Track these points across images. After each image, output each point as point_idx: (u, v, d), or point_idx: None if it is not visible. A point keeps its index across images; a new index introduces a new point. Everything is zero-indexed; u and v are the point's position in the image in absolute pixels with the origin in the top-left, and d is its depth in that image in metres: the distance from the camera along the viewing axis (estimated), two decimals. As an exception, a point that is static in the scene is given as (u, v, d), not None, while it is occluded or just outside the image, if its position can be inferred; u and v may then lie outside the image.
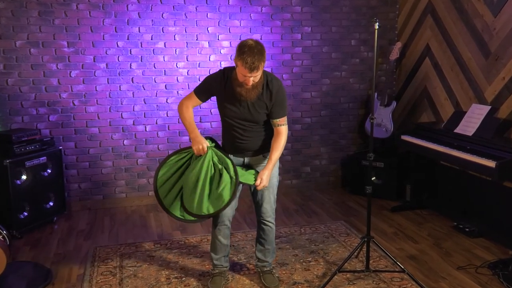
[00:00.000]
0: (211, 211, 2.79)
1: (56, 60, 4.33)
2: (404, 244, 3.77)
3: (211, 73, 4.61)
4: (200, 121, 4.72)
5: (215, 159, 2.80)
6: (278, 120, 2.80)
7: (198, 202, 2.77)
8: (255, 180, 2.82)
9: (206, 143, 2.81)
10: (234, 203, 2.96)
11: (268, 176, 2.82)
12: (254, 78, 2.60)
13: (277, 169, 2.99)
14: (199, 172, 2.75)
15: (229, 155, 2.89)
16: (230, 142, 2.91)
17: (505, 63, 3.84)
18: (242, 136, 2.84)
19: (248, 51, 2.52)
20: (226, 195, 2.76)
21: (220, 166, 2.78)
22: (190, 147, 2.86)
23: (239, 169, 2.84)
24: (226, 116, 2.84)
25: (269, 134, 2.88)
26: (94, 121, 4.52)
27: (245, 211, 4.45)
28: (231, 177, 2.77)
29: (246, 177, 2.84)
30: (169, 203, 2.88)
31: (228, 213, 2.96)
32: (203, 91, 2.86)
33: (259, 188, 2.82)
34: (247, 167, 2.94)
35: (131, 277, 3.25)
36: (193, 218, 2.85)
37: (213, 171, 2.78)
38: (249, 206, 4.41)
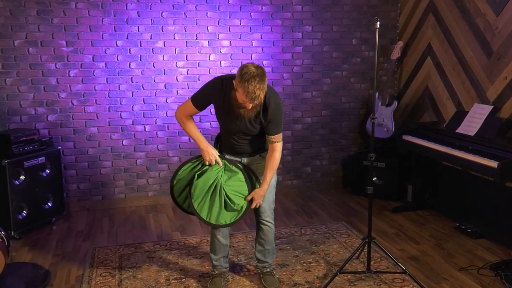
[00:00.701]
0: (228, 221, 2.89)
1: (54, 59, 4.33)
2: (405, 245, 3.76)
3: (210, 72, 4.69)
4: (200, 121, 4.72)
5: (227, 173, 2.87)
6: (273, 137, 2.81)
7: (215, 211, 2.84)
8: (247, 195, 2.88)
9: (218, 155, 2.88)
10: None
11: (261, 196, 2.89)
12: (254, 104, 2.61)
13: (275, 169, 2.99)
14: (215, 181, 2.82)
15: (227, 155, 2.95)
16: (227, 144, 2.96)
17: (507, 63, 3.83)
18: (238, 143, 2.90)
19: (250, 79, 2.49)
20: (240, 203, 2.86)
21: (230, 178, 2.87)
22: (198, 157, 2.93)
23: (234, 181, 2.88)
24: (222, 125, 2.90)
25: (265, 138, 2.92)
26: (93, 121, 4.52)
27: (245, 211, 4.44)
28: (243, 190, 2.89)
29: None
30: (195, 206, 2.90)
31: None
32: (200, 100, 2.83)
33: (252, 207, 2.90)
34: (244, 166, 2.97)
35: (130, 278, 3.24)
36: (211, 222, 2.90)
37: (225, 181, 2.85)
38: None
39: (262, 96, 2.56)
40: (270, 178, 2.89)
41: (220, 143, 3.02)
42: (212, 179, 2.81)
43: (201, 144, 2.88)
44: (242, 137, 2.87)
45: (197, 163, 2.93)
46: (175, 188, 2.95)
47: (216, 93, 2.75)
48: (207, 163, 2.86)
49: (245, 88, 2.50)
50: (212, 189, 2.81)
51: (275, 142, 2.82)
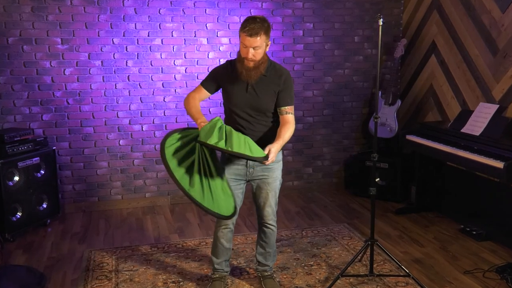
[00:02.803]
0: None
1: (49, 57, 4.33)
2: (409, 248, 3.77)
3: (209, 71, 4.65)
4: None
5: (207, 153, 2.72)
6: (286, 107, 2.83)
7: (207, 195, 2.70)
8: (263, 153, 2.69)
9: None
10: (238, 205, 2.94)
11: (277, 150, 2.70)
12: (254, 51, 2.65)
13: (280, 171, 2.99)
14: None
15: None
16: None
17: (513, 61, 3.84)
18: (246, 130, 2.82)
19: (250, 19, 2.64)
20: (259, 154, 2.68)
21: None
22: (196, 129, 2.79)
23: (248, 144, 2.69)
24: (231, 105, 2.84)
25: (274, 129, 2.85)
26: (89, 120, 4.52)
27: (245, 213, 4.45)
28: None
29: (255, 149, 2.71)
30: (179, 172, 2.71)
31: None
32: (209, 80, 2.90)
33: (268, 162, 2.68)
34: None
35: (127, 281, 3.24)
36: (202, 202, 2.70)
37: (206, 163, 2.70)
38: (249, 208, 4.42)
39: (261, 36, 2.62)
40: (285, 138, 2.76)
41: None
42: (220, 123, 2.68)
43: (200, 119, 2.78)
44: (250, 117, 2.80)
45: (190, 132, 2.79)
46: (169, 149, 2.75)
47: (223, 70, 2.85)
48: None
49: (244, 25, 2.62)
50: (224, 129, 2.67)
51: (289, 114, 2.83)
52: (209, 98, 3.18)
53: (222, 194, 2.76)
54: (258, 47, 2.65)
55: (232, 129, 2.72)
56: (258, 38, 2.63)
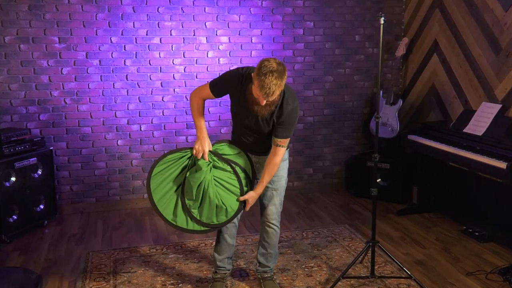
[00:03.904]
0: (220, 220, 2.88)
1: (46, 56, 4.33)
2: (410, 249, 3.76)
3: (208, 70, 4.69)
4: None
5: (216, 171, 2.85)
6: (279, 140, 2.79)
7: (207, 211, 2.83)
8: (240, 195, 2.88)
9: (208, 148, 2.85)
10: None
11: (255, 198, 2.89)
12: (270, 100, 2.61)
13: (286, 171, 3.01)
14: (200, 177, 2.78)
15: (233, 164, 2.90)
16: (237, 140, 2.96)
17: (516, 60, 3.84)
18: (248, 140, 2.91)
19: (267, 73, 2.48)
20: (231, 204, 2.86)
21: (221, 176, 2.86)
22: (190, 148, 2.88)
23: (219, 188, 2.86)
24: (237, 119, 2.90)
25: None
26: (86, 120, 4.51)
27: (245, 214, 4.41)
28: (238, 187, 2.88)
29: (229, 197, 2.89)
30: (163, 204, 2.87)
31: None
32: (218, 88, 2.85)
33: (246, 209, 2.90)
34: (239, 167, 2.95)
35: (126, 283, 3.24)
36: (188, 226, 2.88)
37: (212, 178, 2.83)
38: (250, 209, 4.40)
39: (277, 93, 2.55)
40: (267, 182, 2.88)
41: (232, 137, 3.03)
42: (203, 176, 2.78)
43: (200, 133, 2.87)
44: (251, 134, 2.86)
45: (185, 155, 2.89)
46: (154, 180, 2.87)
47: (234, 84, 2.75)
48: (194, 151, 2.82)
49: (261, 82, 2.50)
50: (203, 187, 2.78)
51: (279, 146, 2.80)
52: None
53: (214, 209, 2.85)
54: (273, 99, 2.60)
55: (211, 183, 2.81)
56: (274, 96, 2.55)
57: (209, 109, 4.72)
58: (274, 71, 2.49)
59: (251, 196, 2.87)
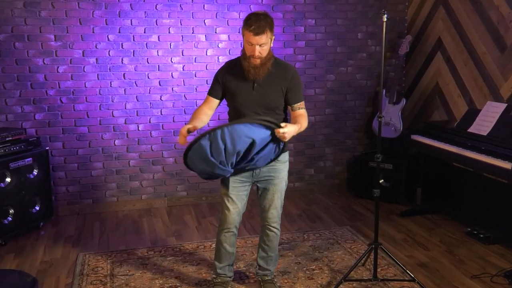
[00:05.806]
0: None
1: (42, 54, 4.33)
2: (414, 251, 3.76)
3: (208, 68, 4.70)
4: None
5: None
6: (298, 104, 2.84)
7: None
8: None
9: (185, 128, 2.64)
10: (242, 208, 2.97)
11: (292, 130, 2.63)
12: (261, 48, 2.66)
13: (286, 173, 3.00)
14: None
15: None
16: None
17: (522, 58, 3.84)
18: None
19: (253, 16, 2.65)
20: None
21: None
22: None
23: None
24: (238, 105, 2.81)
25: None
26: (83, 119, 4.51)
27: (245, 216, 4.40)
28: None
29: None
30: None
31: (235, 219, 2.97)
32: (213, 86, 2.90)
33: (279, 134, 2.57)
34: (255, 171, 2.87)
35: (123, 286, 3.24)
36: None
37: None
38: (249, 210, 4.41)
39: (267, 34, 2.64)
40: (302, 127, 2.75)
41: None
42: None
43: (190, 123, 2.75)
44: (259, 113, 2.76)
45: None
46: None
47: (225, 72, 2.85)
48: (178, 141, 2.67)
49: (248, 24, 2.62)
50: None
51: (301, 109, 2.85)
52: (195, 105, 3.15)
53: None
54: (264, 44, 2.67)
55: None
56: (264, 35, 2.64)
57: (208, 109, 4.72)
58: (260, 14, 2.68)
59: (291, 125, 2.65)
